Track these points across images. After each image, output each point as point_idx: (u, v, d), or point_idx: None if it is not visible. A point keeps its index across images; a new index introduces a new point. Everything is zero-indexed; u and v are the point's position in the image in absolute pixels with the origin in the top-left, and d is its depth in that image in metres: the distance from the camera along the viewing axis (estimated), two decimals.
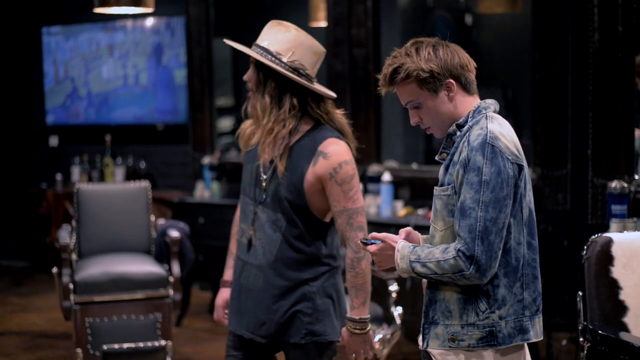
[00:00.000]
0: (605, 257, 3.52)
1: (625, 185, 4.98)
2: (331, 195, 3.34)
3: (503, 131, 2.66)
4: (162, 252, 6.03)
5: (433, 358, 2.76)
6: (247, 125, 3.55)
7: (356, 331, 3.36)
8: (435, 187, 2.77)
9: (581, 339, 3.52)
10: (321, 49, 3.45)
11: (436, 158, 2.83)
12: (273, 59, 3.35)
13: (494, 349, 2.68)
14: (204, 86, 8.07)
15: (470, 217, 2.59)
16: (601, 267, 3.51)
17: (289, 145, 3.39)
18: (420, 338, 2.82)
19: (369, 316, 3.39)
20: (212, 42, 8.09)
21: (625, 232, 4.45)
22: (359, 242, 2.83)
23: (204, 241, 7.09)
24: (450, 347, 2.70)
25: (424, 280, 2.81)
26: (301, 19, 8.13)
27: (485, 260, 2.57)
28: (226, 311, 3.67)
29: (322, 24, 7.35)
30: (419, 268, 2.66)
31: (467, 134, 2.68)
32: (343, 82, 7.04)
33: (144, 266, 5.72)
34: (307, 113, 3.42)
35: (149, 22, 8.47)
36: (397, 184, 6.35)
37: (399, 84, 2.75)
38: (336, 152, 3.35)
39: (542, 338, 2.80)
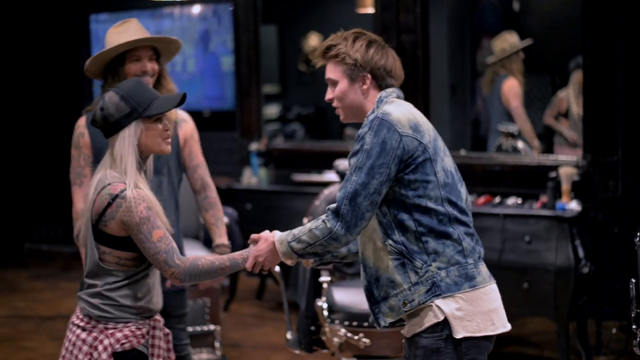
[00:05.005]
0: None
1: None
2: None
3: (399, 109, 2.91)
4: (210, 237, 6.05)
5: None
6: None
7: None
8: None
9: (634, 327, 3.50)
10: None
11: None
12: None
13: (444, 297, 2.84)
14: (251, 73, 8.07)
15: (346, 179, 2.86)
16: None
17: None
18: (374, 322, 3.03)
19: None
20: (260, 28, 8.09)
21: None
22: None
23: (251, 227, 7.05)
24: (405, 311, 2.89)
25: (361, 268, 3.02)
26: (349, 5, 8.13)
27: (350, 218, 2.80)
28: None
29: (370, 10, 7.33)
30: (295, 245, 2.90)
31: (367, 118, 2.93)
32: None
33: (193, 251, 5.74)
34: None
35: (196, 9, 8.50)
36: None
37: (328, 60, 3.03)
38: None
39: (491, 283, 2.95)
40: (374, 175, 2.80)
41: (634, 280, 3.52)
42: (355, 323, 4.67)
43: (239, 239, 6.32)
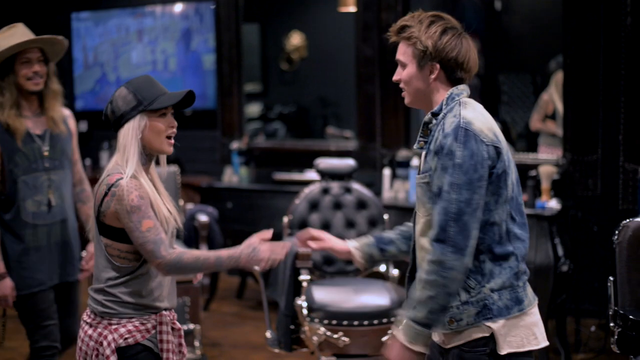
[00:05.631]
0: (637, 241, 3.50)
1: None
2: None
3: (477, 116, 2.76)
4: (190, 236, 6.05)
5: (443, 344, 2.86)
6: None
7: None
8: (416, 176, 2.89)
9: (612, 324, 3.50)
10: None
11: (414, 147, 2.94)
12: None
13: (495, 321, 2.76)
14: (232, 71, 8.07)
15: (444, 200, 2.69)
16: (633, 251, 3.48)
17: None
18: None
19: None
20: (241, 27, 8.08)
21: None
22: None
23: (232, 226, 7.10)
24: (451, 329, 2.79)
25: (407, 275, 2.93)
26: (331, 4, 8.12)
27: (461, 240, 2.66)
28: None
29: (352, 8, 7.33)
30: (416, 314, 2.73)
31: (442, 122, 2.78)
32: (372, 67, 7.02)
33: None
34: None
35: (178, 7, 8.48)
36: None
37: (400, 40, 2.90)
38: None
39: (535, 302, 2.89)
40: (475, 190, 2.67)
41: (612, 279, 3.53)
42: (334, 322, 4.66)
43: (220, 237, 6.31)
